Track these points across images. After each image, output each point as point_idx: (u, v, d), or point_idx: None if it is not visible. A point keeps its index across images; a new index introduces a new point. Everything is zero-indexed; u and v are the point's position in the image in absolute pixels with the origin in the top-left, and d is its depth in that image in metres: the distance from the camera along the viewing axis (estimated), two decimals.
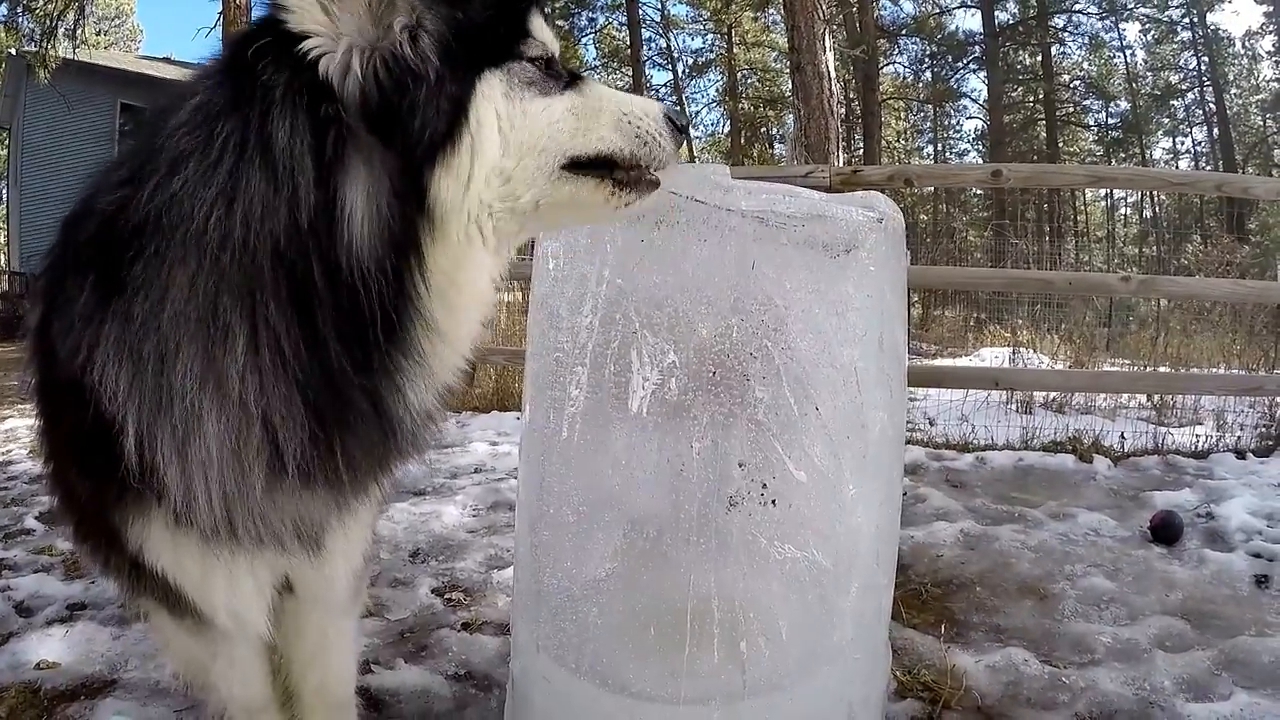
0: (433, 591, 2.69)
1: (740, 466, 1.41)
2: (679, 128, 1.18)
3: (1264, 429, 5.22)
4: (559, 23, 28.40)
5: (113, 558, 1.27)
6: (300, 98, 0.97)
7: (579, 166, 1.11)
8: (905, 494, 3.59)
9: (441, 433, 1.29)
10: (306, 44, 0.97)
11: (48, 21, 15.40)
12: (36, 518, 3.46)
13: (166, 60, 22.98)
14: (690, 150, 31.85)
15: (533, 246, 1.61)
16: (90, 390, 1.03)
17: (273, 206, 0.96)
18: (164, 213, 0.99)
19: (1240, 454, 4.81)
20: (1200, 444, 5.06)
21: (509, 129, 1.05)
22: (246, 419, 1.02)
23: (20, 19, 15.82)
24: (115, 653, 2.22)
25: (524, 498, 1.62)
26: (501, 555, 3.00)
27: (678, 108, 1.21)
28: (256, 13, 1.07)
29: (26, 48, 16.15)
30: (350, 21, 0.98)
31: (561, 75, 1.13)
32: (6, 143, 21.24)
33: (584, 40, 31.02)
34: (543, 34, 1.12)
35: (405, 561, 2.99)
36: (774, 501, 1.41)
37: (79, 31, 16.19)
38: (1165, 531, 3.26)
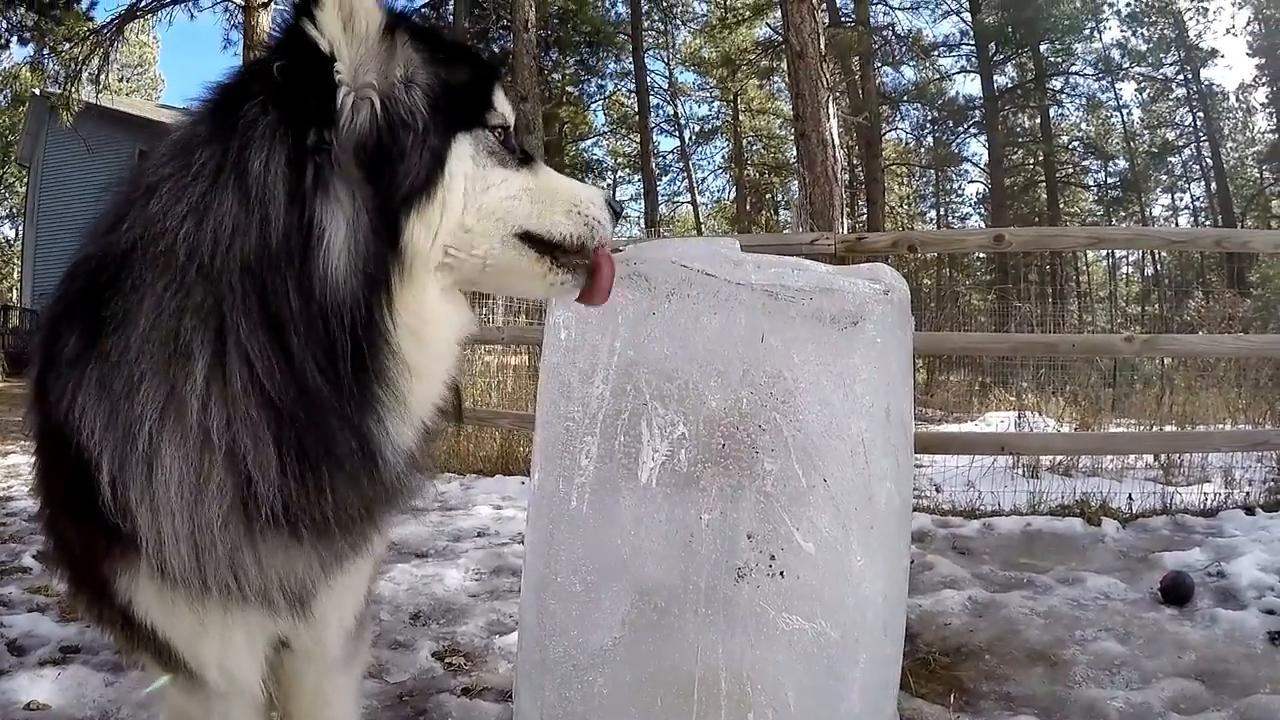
0: (433, 655, 2.66)
1: (749, 538, 1.41)
2: (615, 212, 1.27)
3: (1272, 484, 5.19)
4: (569, 89, 29.11)
5: (105, 610, 1.25)
6: (283, 129, 1.00)
7: (528, 239, 1.18)
8: (912, 562, 3.55)
9: (432, 482, 1.29)
10: (337, 66, 1.02)
11: (73, 65, 15.86)
12: (34, 556, 3.44)
13: (185, 111, 23.53)
14: (696, 217, 32.37)
15: (544, 314, 1.64)
16: (74, 436, 1.03)
17: (243, 227, 0.98)
18: (139, 240, 1.01)
19: (1249, 510, 4.77)
20: (1209, 502, 5.02)
21: (473, 191, 1.11)
22: (208, 450, 1.00)
23: (46, 60, 16.26)
24: (107, 699, 2.20)
25: (531, 565, 1.62)
26: (504, 620, 2.96)
27: (611, 194, 1.30)
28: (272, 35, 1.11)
29: (51, 89, 16.56)
30: (369, 64, 1.04)
31: (515, 149, 1.19)
32: (26, 180, 21.61)
33: (593, 106, 31.78)
34: (503, 105, 1.19)
35: (406, 623, 2.96)
36: (782, 573, 1.41)
37: (102, 77, 16.64)
38: (1176, 592, 3.22)
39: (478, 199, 1.12)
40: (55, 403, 1.06)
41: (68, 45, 15.94)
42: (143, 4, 16.58)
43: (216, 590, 1.08)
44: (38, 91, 17.17)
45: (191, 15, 16.85)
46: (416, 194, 1.05)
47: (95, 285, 1.05)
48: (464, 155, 1.10)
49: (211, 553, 1.05)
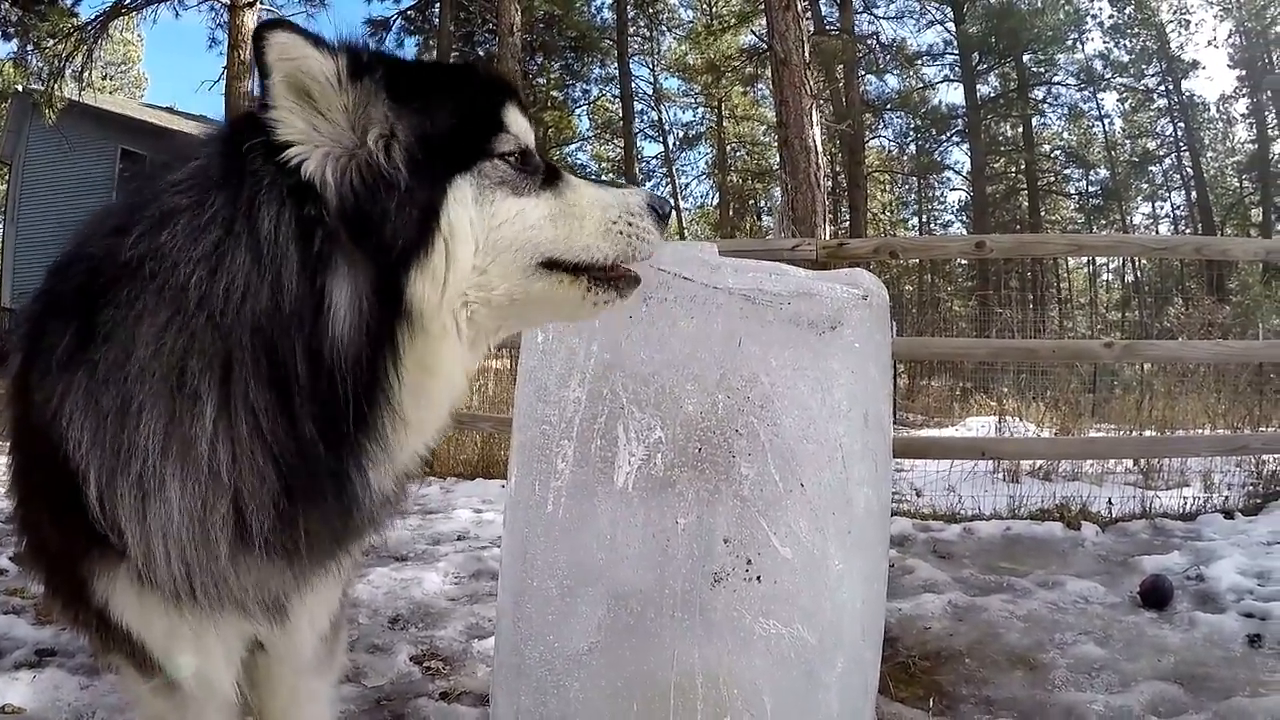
0: (411, 659, 2.64)
1: (725, 542, 1.41)
2: (662, 216, 1.19)
3: (1251, 488, 5.24)
4: (554, 94, 29.12)
5: (81, 612, 1.25)
6: (284, 193, 0.99)
7: (556, 266, 1.12)
8: (893, 566, 3.56)
9: (402, 514, 1.29)
10: (289, 153, 1.00)
11: (56, 62, 15.71)
12: (10, 558, 3.39)
13: (169, 110, 23.29)
14: (680, 222, 32.46)
15: None
16: (60, 442, 1.03)
17: (255, 288, 0.98)
18: (145, 261, 1.00)
19: (1228, 514, 4.82)
20: (1188, 506, 5.07)
21: (481, 231, 1.06)
22: (217, 489, 1.01)
23: (30, 57, 16.11)
24: (83, 703, 2.18)
25: (507, 570, 1.61)
26: (482, 624, 2.95)
27: (659, 195, 1.21)
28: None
29: (33, 86, 16.40)
30: (329, 130, 1.01)
31: (538, 169, 1.14)
32: (6, 178, 21.36)
33: (578, 111, 31.76)
34: (517, 126, 1.13)
35: (384, 627, 2.94)
36: (759, 577, 1.40)
37: (86, 75, 16.49)
38: (1155, 596, 3.24)
39: (489, 238, 1.07)
40: (40, 402, 1.06)
41: (51, 41, 15.80)
42: (127, 1, 16.46)
43: (203, 600, 1.09)
44: (20, 88, 16.98)
45: (176, 14, 16.75)
46: (412, 252, 1.01)
47: (91, 287, 1.04)
48: (464, 199, 1.05)
49: (204, 573, 1.06)
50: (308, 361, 0.99)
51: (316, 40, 1.02)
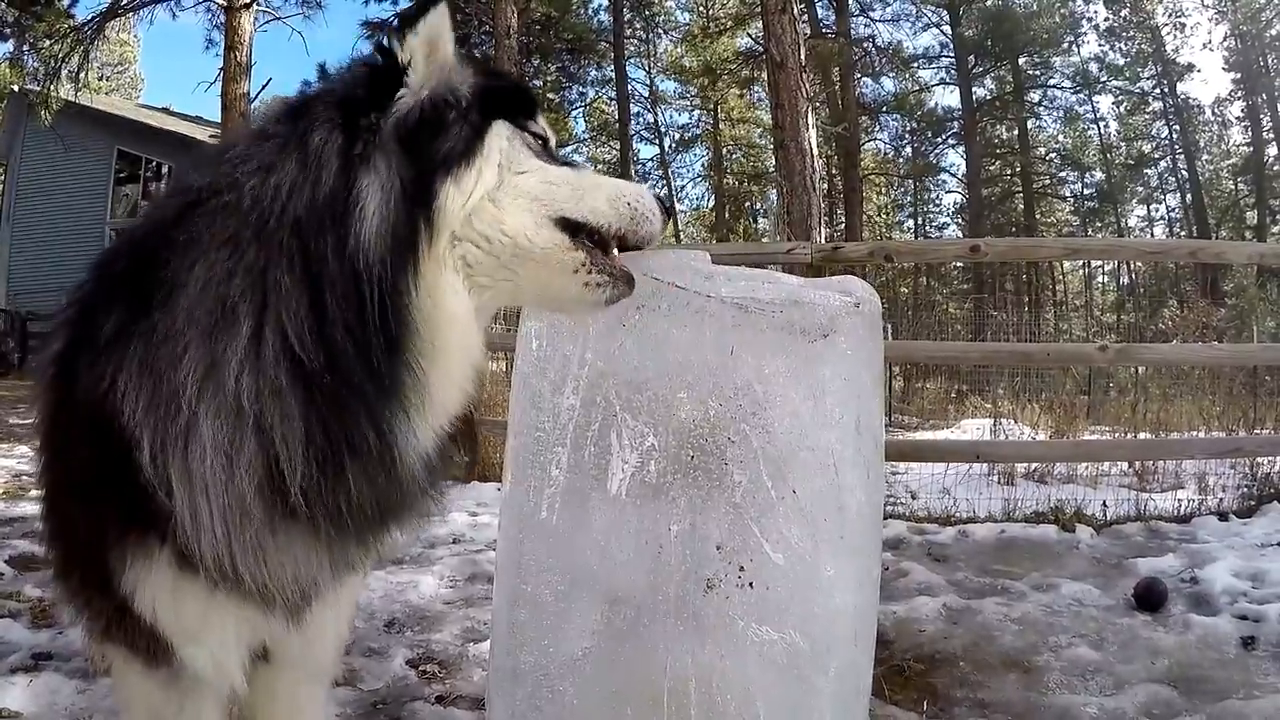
0: (407, 663, 2.64)
1: (718, 549, 1.42)
2: (666, 210, 1.29)
3: (1245, 489, 5.25)
4: (550, 96, 29.16)
5: (95, 599, 1.25)
6: (343, 119, 1.12)
7: (567, 226, 1.20)
8: (887, 569, 3.57)
9: (441, 499, 1.31)
10: (407, 76, 1.15)
11: (52, 62, 15.71)
12: (7, 561, 3.39)
13: (165, 110, 23.26)
14: (675, 224, 32.46)
15: (518, 322, 1.66)
16: (107, 420, 1.05)
17: (299, 185, 1.08)
18: (203, 191, 1.12)
19: (1223, 516, 4.83)
20: (1182, 508, 5.08)
21: (508, 168, 1.18)
22: (240, 422, 1.03)
23: (26, 57, 16.11)
24: (79, 706, 2.17)
25: (502, 575, 1.62)
26: (478, 628, 2.95)
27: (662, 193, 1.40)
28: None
29: (30, 86, 16.40)
30: (433, 80, 1.18)
31: (557, 157, 1.27)
32: (2, 178, 21.33)
33: (574, 113, 31.80)
34: (542, 125, 1.28)
35: (380, 631, 2.94)
36: (751, 584, 1.41)
37: (82, 75, 16.49)
38: (1149, 598, 3.25)
39: (512, 179, 1.18)
40: (89, 387, 1.08)
41: (48, 42, 15.78)
42: (124, 2, 16.45)
43: (245, 573, 1.09)
44: (16, 89, 16.97)
45: (173, 15, 16.73)
46: (455, 159, 1.13)
47: (142, 266, 1.11)
48: (501, 134, 1.19)
49: (241, 535, 1.07)
50: (337, 258, 1.06)
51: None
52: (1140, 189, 31.18)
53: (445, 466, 1.27)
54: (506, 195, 1.16)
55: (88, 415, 1.09)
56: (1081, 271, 32.53)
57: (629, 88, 30.21)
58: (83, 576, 1.26)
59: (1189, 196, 29.39)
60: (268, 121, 1.20)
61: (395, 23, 1.18)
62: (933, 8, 28.71)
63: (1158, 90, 29.25)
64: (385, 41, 1.16)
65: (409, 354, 1.09)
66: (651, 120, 33.09)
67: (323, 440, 1.06)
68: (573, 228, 1.20)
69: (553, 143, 1.28)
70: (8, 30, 15.83)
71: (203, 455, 1.03)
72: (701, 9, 29.53)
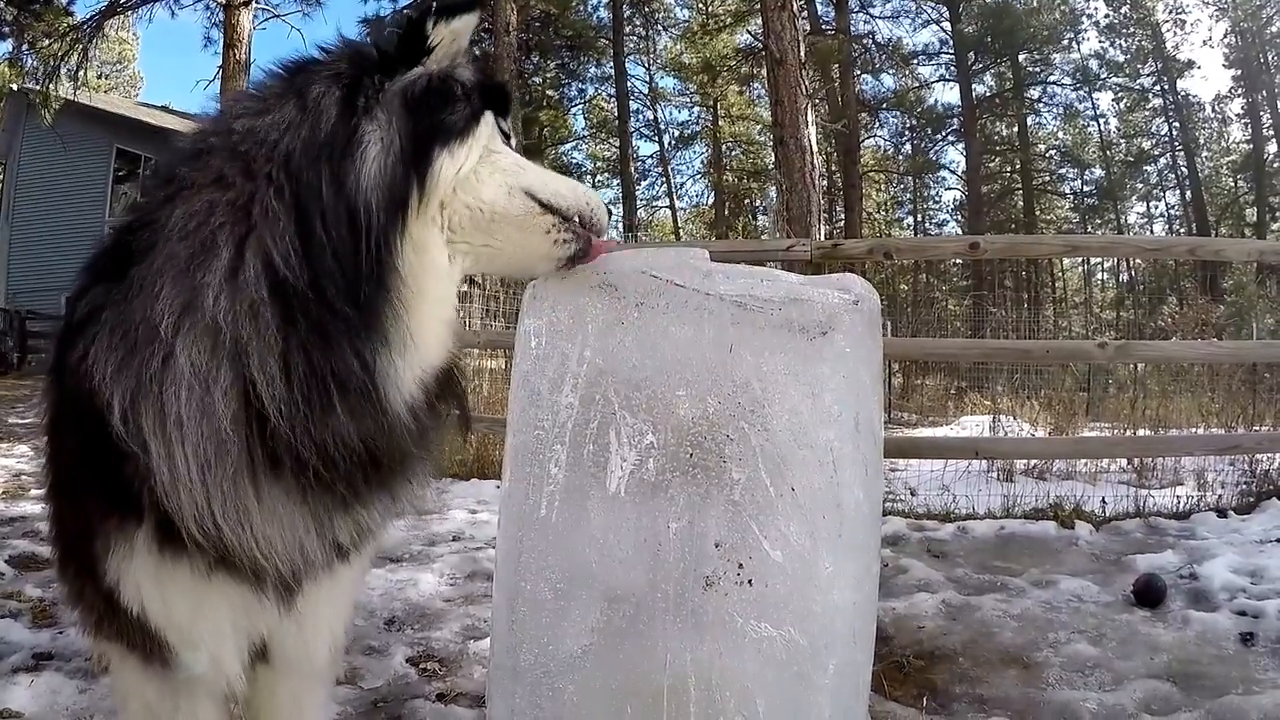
0: (408, 661, 2.64)
1: (716, 546, 1.42)
2: (609, 213, 1.40)
3: (1244, 486, 5.25)
4: (549, 93, 29.13)
5: (87, 592, 1.25)
6: (346, 76, 1.17)
7: (533, 198, 1.30)
8: (887, 565, 3.58)
9: (432, 468, 1.34)
10: (430, 55, 1.23)
11: (51, 61, 15.70)
12: (7, 561, 3.39)
13: (165, 109, 23.22)
14: (675, 221, 32.49)
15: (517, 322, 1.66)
16: (86, 397, 1.05)
17: (296, 124, 1.12)
18: (194, 144, 1.17)
19: (1222, 513, 4.84)
20: (1181, 505, 5.08)
21: (488, 151, 1.27)
22: (218, 345, 1.04)
23: (25, 56, 16.09)
24: (81, 706, 2.18)
25: (501, 573, 1.62)
26: (478, 625, 2.95)
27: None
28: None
29: (29, 85, 16.38)
30: (446, 59, 1.25)
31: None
32: (1, 177, 21.28)
33: (573, 110, 31.79)
34: (509, 123, 1.37)
35: (380, 629, 2.95)
36: (750, 581, 1.41)
37: (81, 74, 16.47)
38: (1148, 594, 3.26)
39: (492, 158, 1.27)
40: (71, 366, 1.09)
41: (47, 41, 15.77)
42: (123, 1, 16.42)
43: (230, 535, 1.07)
44: (15, 88, 16.94)
45: (172, 13, 16.72)
46: (455, 131, 1.21)
47: (119, 237, 1.15)
48: (489, 122, 1.29)
49: (218, 479, 1.05)
50: (334, 191, 1.09)
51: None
52: (1140, 186, 31.16)
53: (436, 425, 1.29)
54: (485, 169, 1.26)
55: (73, 402, 1.10)
56: (1081, 268, 32.51)
57: (628, 84, 30.21)
58: (75, 570, 1.26)
59: (1188, 193, 29.38)
60: (260, 81, 1.25)
61: (432, 5, 1.23)
62: (932, 4, 28.71)
63: (1158, 87, 29.24)
64: (419, 18, 1.22)
65: (394, 293, 1.13)
66: (651, 117, 33.12)
67: (305, 369, 1.06)
68: (537, 198, 1.30)
69: (514, 142, 1.40)
70: (6, 29, 15.80)
71: (177, 388, 1.03)
72: (701, 5, 29.45)
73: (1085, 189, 31.34)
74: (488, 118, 1.28)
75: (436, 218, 1.20)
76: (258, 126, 1.13)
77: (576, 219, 1.34)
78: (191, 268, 1.05)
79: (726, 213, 31.87)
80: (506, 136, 1.35)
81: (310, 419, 1.07)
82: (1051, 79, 29.73)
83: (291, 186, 1.08)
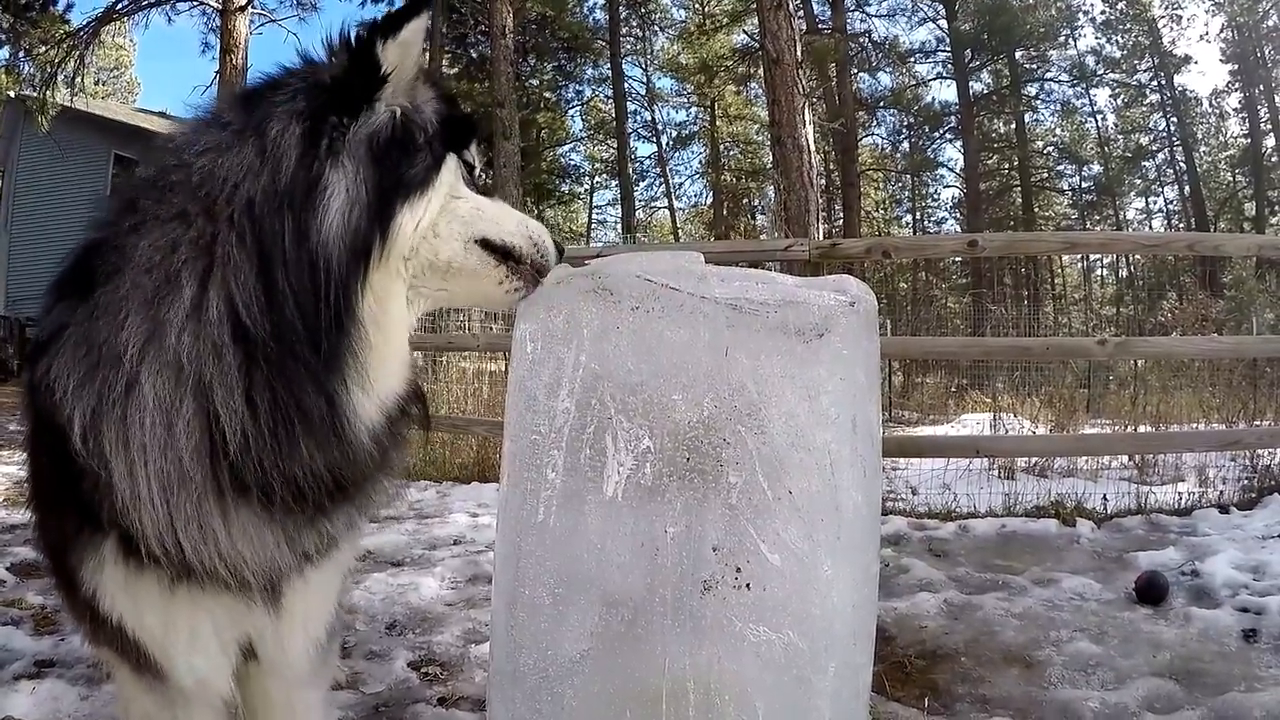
0: (409, 665, 2.65)
1: (714, 550, 1.42)
2: (559, 249, 1.44)
3: (1246, 482, 5.26)
4: (547, 95, 29.14)
5: (74, 603, 1.26)
6: (306, 112, 1.15)
7: (487, 246, 1.33)
8: (888, 565, 3.58)
9: (403, 491, 1.35)
10: (386, 87, 1.20)
11: (48, 68, 15.72)
12: (8, 568, 3.40)
13: (162, 114, 23.22)
14: (673, 221, 32.54)
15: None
16: (50, 414, 1.07)
17: (256, 170, 1.11)
18: (151, 178, 1.16)
19: (1223, 509, 4.83)
20: (1183, 501, 5.09)
21: (449, 199, 1.27)
22: (180, 379, 1.05)
23: (21, 63, 16.12)
24: (83, 713, 2.18)
25: (500, 577, 1.62)
26: (480, 629, 2.95)
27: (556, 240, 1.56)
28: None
29: (26, 92, 16.39)
30: (402, 90, 1.23)
31: (478, 184, 1.40)
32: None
33: (571, 112, 31.78)
34: (475, 152, 1.38)
35: (381, 633, 2.95)
36: (748, 584, 1.41)
37: (78, 80, 16.50)
38: (1150, 592, 3.26)
39: (451, 205, 1.27)
40: (36, 382, 1.11)
41: (43, 48, 15.80)
42: (120, 7, 16.46)
43: (193, 557, 1.09)
44: (12, 94, 16.95)
45: (169, 19, 16.79)
46: (415, 185, 1.21)
47: (81, 258, 1.17)
48: (451, 167, 1.28)
49: (180, 503, 1.07)
50: (296, 241, 1.09)
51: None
52: (1138, 181, 31.10)
53: (397, 443, 1.32)
54: (443, 221, 1.26)
55: (41, 419, 1.12)
56: (1080, 265, 32.46)
57: (625, 85, 30.19)
58: (59, 580, 1.29)
59: (1187, 189, 29.34)
60: (218, 110, 1.25)
61: (377, 23, 1.19)
62: (928, 2, 28.69)
63: (1155, 82, 29.21)
64: (367, 42, 1.19)
65: (353, 339, 1.14)
66: (649, 118, 33.10)
67: (269, 405, 1.08)
68: (491, 247, 1.33)
69: (478, 170, 1.41)
70: (3, 36, 15.83)
71: (140, 414, 1.04)
72: (697, 6, 29.44)
73: (1083, 185, 31.36)
74: (449, 163, 1.28)
75: (399, 270, 1.22)
76: (218, 169, 1.12)
77: (528, 263, 1.37)
78: (156, 300, 1.06)
79: (725, 212, 31.81)
80: (470, 168, 1.36)
81: (278, 453, 1.09)
82: (1048, 75, 29.70)
83: (254, 232, 1.08)
